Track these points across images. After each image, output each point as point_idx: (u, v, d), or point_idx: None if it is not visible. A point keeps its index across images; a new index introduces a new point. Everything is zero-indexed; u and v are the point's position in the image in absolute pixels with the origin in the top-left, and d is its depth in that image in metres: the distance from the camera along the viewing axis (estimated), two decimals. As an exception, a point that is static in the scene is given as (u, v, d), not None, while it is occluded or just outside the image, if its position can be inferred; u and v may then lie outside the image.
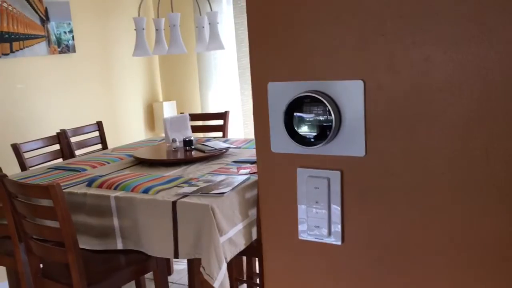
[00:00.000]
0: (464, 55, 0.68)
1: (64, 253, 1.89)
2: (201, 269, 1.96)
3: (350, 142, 0.77)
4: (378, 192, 0.76)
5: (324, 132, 0.77)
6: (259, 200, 0.86)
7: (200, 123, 3.86)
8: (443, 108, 0.70)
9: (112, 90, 4.15)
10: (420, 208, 0.74)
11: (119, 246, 2.16)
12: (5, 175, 2.03)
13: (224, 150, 2.81)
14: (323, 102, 0.76)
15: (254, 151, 2.91)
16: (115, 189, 2.23)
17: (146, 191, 2.16)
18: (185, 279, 3.25)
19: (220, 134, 3.60)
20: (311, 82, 0.78)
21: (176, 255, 2.05)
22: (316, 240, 0.81)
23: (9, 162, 2.86)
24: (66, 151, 3.12)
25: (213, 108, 4.25)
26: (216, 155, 2.75)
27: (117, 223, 2.15)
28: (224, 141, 3.12)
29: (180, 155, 2.80)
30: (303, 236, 0.82)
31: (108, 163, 2.78)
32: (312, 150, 0.79)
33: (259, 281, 2.28)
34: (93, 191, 2.23)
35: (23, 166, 2.83)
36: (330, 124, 0.76)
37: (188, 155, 2.78)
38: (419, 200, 0.74)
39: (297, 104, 0.78)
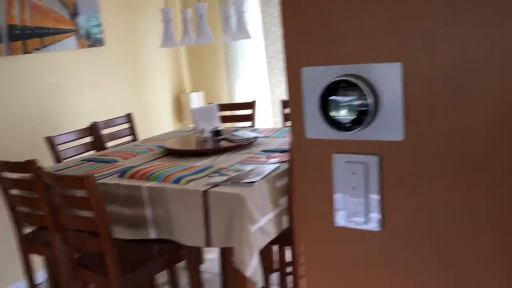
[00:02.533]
0: (506, 33, 0.65)
1: (99, 242, 1.93)
2: (234, 258, 1.96)
3: (388, 126, 0.75)
4: (418, 176, 0.74)
5: (361, 117, 0.75)
6: (294, 187, 0.85)
7: (228, 113, 3.86)
8: (485, 89, 0.68)
9: (141, 82, 4.20)
10: (462, 192, 0.72)
11: (152, 235, 2.19)
12: (41, 167, 2.08)
13: (253, 140, 2.80)
14: (359, 86, 0.74)
15: (283, 140, 2.91)
16: (146, 179, 2.25)
17: (177, 181, 2.17)
18: (216, 268, 3.28)
19: (248, 123, 3.60)
20: (346, 66, 0.76)
21: (208, 244, 2.06)
22: (354, 227, 0.80)
23: (43, 154, 2.93)
24: (98, 143, 3.17)
25: (240, 98, 4.25)
26: (245, 144, 2.75)
27: (149, 213, 2.18)
28: (253, 131, 3.11)
29: (209, 145, 2.81)
30: (340, 223, 0.81)
31: (139, 154, 2.81)
32: (349, 135, 0.77)
33: (292, 270, 2.27)
34: (125, 181, 2.26)
35: (57, 159, 2.90)
36: (367, 108, 0.74)
37: (217, 145, 2.79)
38: (461, 184, 0.72)
39: (333, 89, 0.77)
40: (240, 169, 2.28)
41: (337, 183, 0.80)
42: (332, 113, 0.77)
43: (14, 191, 2.45)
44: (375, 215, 0.78)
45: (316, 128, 0.81)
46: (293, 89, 0.82)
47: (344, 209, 0.80)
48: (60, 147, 2.96)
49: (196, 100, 4.41)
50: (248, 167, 2.30)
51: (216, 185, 2.08)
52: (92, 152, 3.14)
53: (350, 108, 0.76)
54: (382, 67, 0.74)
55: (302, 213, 0.84)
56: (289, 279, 2.83)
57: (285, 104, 3.50)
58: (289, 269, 2.84)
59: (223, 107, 3.61)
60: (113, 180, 2.30)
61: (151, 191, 2.16)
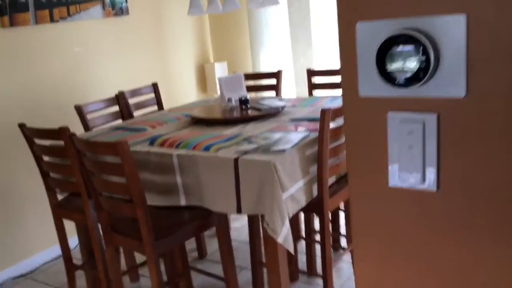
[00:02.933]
0: None
1: (133, 208, 1.96)
2: (265, 225, 1.98)
3: (449, 82, 0.72)
4: (478, 135, 0.72)
5: (420, 73, 0.72)
6: (346, 147, 0.84)
7: (251, 82, 3.83)
8: (558, 42, 0.64)
9: (165, 52, 4.18)
10: (525, 151, 0.69)
11: (182, 202, 2.21)
12: (74, 134, 2.10)
13: (281, 109, 2.78)
14: (420, 40, 0.72)
15: (310, 109, 2.88)
16: (176, 147, 2.26)
17: (207, 148, 2.18)
18: (242, 237, 3.32)
19: (273, 93, 3.57)
20: (404, 20, 0.74)
21: (239, 211, 2.07)
22: (409, 187, 0.78)
23: (70, 123, 2.95)
24: (125, 112, 3.19)
25: (264, 68, 4.20)
26: (272, 113, 2.73)
27: (180, 180, 2.20)
28: (279, 100, 3.09)
29: (236, 114, 2.80)
30: (394, 184, 0.80)
31: (166, 123, 2.82)
32: (406, 93, 0.75)
33: (320, 238, 2.28)
34: (155, 149, 2.27)
35: (86, 127, 2.92)
36: (427, 64, 0.72)
37: (244, 114, 2.78)
38: (524, 143, 0.69)
39: (390, 44, 0.74)
40: (269, 137, 2.27)
41: (392, 143, 0.79)
42: (389, 70, 0.75)
43: (46, 158, 2.49)
44: (431, 175, 0.76)
45: (370, 86, 0.78)
46: (345, 45, 0.80)
47: (398, 169, 0.79)
48: (89, 116, 2.98)
49: (220, 70, 4.38)
50: (277, 136, 2.29)
51: (246, 152, 2.08)
52: (119, 121, 3.16)
53: (409, 64, 0.73)
54: (443, 20, 0.71)
55: (354, 174, 0.83)
56: (316, 247, 2.85)
57: (311, 73, 3.46)
58: (316, 237, 2.86)
59: (248, 76, 3.58)
60: (143, 147, 2.31)
61: (181, 158, 2.17)
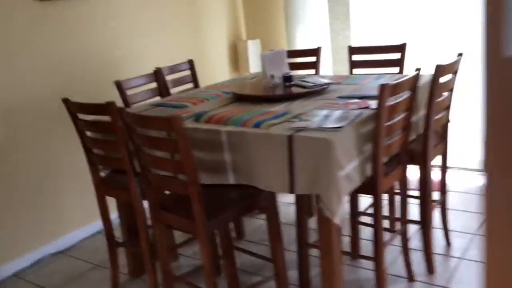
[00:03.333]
0: None
1: (185, 186, 1.89)
2: (321, 205, 1.90)
3: None
4: None
5: None
6: (486, 116, 0.75)
7: (288, 60, 3.72)
8: None
9: (197, 29, 4.09)
10: None
11: (231, 180, 2.14)
12: (123, 108, 2.04)
13: (326, 86, 2.69)
14: None
15: (355, 87, 2.77)
16: (224, 124, 2.19)
17: (257, 125, 2.10)
18: (283, 217, 3.26)
19: (311, 72, 3.47)
20: None
21: (292, 190, 2.00)
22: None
23: (107, 98, 2.90)
24: (163, 89, 3.12)
25: (300, 46, 4.09)
26: (318, 91, 2.64)
27: (228, 158, 2.13)
28: (322, 78, 2.99)
29: (279, 91, 2.72)
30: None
31: (207, 100, 2.75)
32: None
33: (374, 220, 2.20)
34: (203, 125, 2.20)
35: (125, 103, 2.86)
36: None
37: (289, 91, 2.69)
38: None
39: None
40: (319, 115, 2.18)
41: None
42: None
43: (89, 134, 2.43)
44: None
45: (519, 45, 0.69)
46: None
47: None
48: (128, 92, 2.92)
49: (253, 48, 4.28)
50: (327, 113, 2.20)
51: (300, 129, 2.00)
52: (157, 98, 3.10)
53: None
54: None
55: (494, 147, 0.74)
56: (360, 228, 2.79)
57: (352, 50, 3.34)
58: (359, 219, 2.78)
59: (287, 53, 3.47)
60: (189, 124, 2.24)
61: (230, 135, 2.10)
